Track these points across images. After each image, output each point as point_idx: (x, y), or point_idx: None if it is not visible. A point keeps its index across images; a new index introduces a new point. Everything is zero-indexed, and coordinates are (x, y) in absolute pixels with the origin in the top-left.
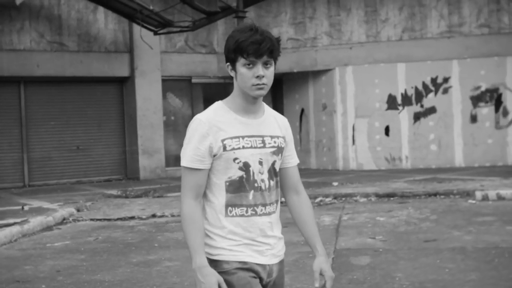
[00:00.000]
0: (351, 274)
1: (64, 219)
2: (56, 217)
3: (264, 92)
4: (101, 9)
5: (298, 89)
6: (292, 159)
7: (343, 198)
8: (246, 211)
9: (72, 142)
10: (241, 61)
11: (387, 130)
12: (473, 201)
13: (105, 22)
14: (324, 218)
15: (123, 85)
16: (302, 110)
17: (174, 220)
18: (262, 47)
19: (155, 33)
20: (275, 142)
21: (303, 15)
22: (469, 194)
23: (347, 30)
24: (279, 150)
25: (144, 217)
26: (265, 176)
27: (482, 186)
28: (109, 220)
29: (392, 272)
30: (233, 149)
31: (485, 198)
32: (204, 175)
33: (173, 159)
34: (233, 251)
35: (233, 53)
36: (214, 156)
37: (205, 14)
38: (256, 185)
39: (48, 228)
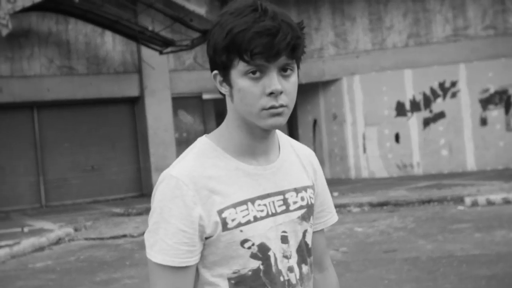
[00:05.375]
0: None
1: (59, 239)
2: (50, 237)
3: (283, 120)
4: (108, 32)
5: (309, 100)
6: (324, 218)
7: (337, 209)
8: None
9: (86, 162)
10: (239, 68)
11: (397, 137)
12: (462, 208)
13: (113, 44)
14: None
15: (134, 104)
16: (315, 121)
17: None
18: (277, 41)
19: (160, 53)
20: (302, 198)
21: (309, 26)
22: (462, 200)
23: (352, 39)
24: (309, 211)
25: (135, 234)
26: (294, 260)
27: (478, 191)
28: (101, 239)
29: None
30: (240, 225)
31: (474, 204)
32: (191, 274)
33: None
34: None
35: (224, 52)
36: (207, 239)
37: (200, 33)
38: (282, 279)
39: (41, 249)
